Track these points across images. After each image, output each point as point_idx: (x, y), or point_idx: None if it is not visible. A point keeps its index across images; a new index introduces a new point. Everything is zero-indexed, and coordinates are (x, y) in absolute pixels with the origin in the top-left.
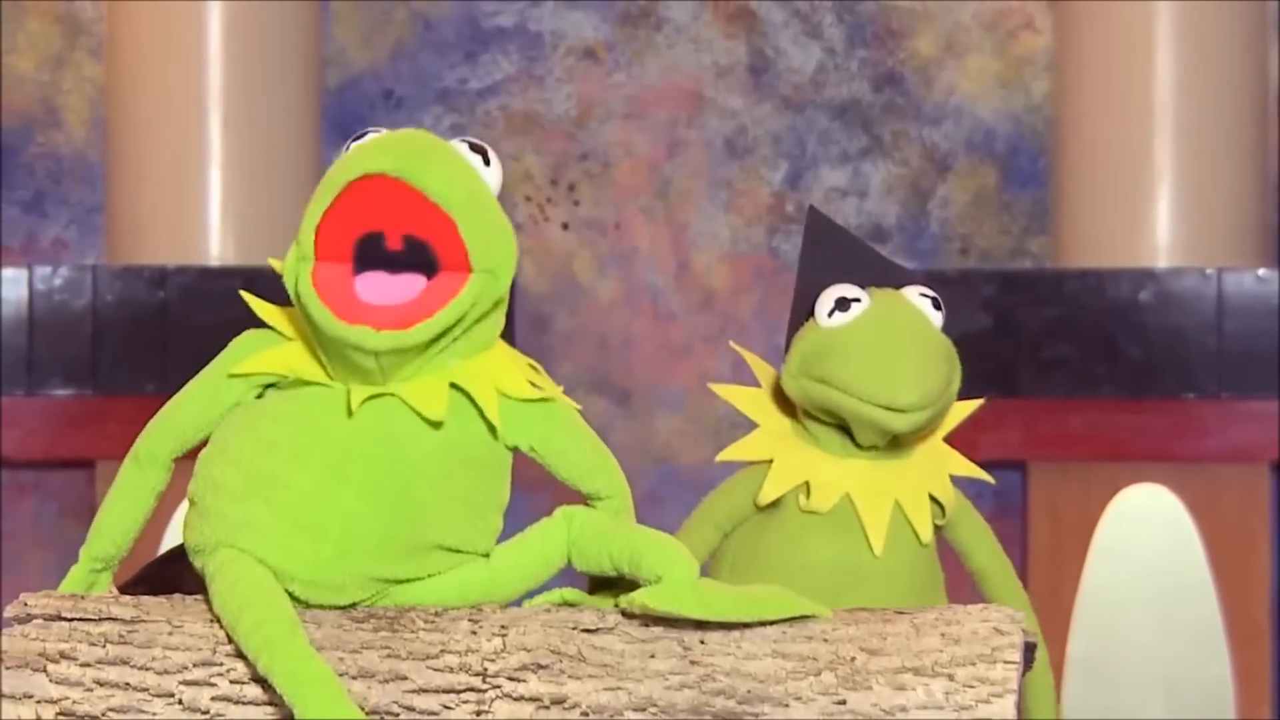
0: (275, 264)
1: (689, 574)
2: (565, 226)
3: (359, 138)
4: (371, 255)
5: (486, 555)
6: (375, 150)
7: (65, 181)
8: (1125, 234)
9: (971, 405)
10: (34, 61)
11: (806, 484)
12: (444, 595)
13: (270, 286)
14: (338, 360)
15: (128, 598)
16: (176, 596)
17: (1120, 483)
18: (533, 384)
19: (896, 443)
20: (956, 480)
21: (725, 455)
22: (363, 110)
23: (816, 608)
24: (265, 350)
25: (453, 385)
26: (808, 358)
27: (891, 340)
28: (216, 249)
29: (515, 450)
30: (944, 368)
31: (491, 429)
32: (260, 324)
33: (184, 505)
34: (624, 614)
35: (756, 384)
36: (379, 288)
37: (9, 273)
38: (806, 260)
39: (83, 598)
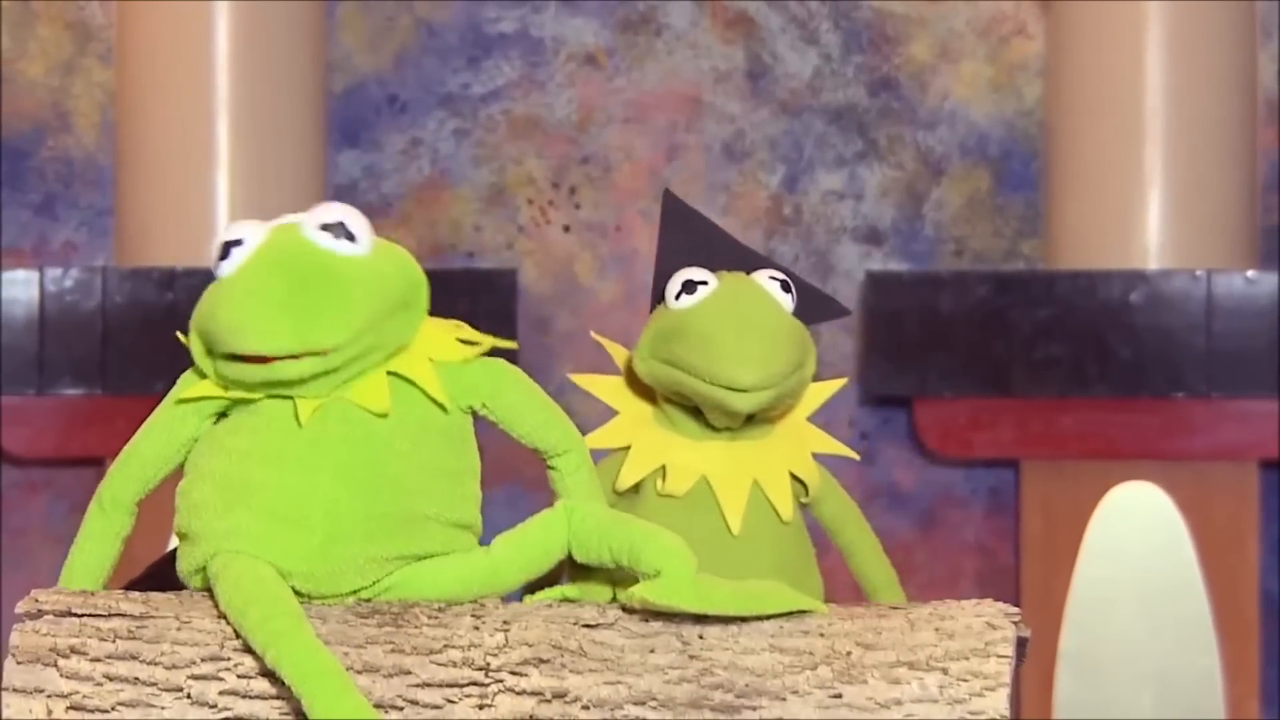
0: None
1: (688, 569)
2: (566, 229)
3: (224, 249)
4: None
5: (472, 525)
6: (231, 333)
7: (75, 185)
8: (1116, 236)
9: (836, 385)
10: (44, 67)
11: (663, 468)
12: (445, 585)
13: None
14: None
15: (136, 593)
16: (185, 592)
17: (1111, 481)
18: (461, 341)
19: (754, 423)
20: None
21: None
22: (368, 114)
23: (813, 603)
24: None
25: (390, 373)
26: (655, 340)
27: (734, 321)
28: None
29: (471, 412)
30: (790, 348)
31: (438, 402)
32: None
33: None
34: (624, 609)
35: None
36: None
37: (20, 274)
38: (662, 245)
39: (92, 594)
